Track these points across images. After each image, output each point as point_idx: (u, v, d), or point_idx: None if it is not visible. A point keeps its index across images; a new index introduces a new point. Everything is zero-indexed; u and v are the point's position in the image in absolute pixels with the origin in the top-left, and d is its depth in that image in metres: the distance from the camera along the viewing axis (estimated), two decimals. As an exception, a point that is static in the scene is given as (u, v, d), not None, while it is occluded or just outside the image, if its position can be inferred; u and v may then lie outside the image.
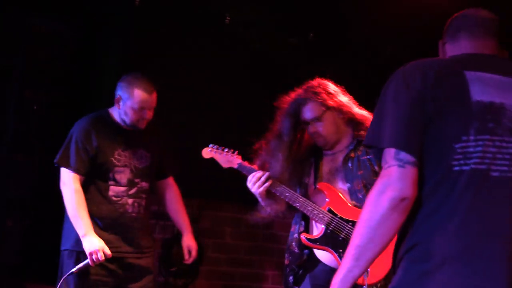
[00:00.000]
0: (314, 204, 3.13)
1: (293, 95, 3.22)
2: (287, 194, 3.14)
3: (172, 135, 4.83)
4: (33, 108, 4.54)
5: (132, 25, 4.72)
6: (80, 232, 3.48)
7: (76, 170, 3.54)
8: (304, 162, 3.25)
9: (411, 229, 1.85)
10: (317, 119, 3.14)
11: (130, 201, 3.64)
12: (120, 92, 3.66)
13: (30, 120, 4.53)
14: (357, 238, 1.82)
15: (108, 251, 3.46)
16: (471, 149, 1.83)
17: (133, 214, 3.63)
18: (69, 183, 3.54)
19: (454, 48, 2.07)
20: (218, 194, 5.22)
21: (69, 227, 3.60)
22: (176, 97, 4.82)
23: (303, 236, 3.14)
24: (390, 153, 1.83)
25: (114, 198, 3.61)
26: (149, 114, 3.65)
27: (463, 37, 2.07)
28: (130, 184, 3.64)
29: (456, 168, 1.82)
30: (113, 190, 3.62)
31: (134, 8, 4.62)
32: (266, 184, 3.14)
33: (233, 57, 5.01)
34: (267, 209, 3.24)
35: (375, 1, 4.78)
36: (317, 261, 3.14)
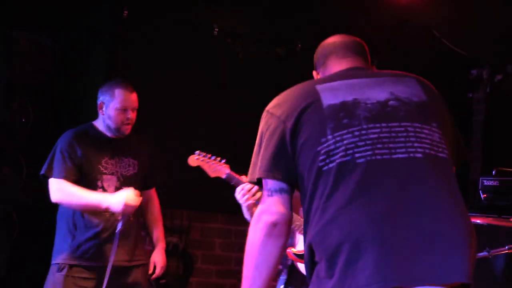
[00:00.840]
0: (301, 219, 3.07)
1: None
2: None
3: (160, 145, 4.83)
4: (20, 121, 4.52)
5: (117, 37, 4.71)
6: (101, 205, 3.46)
7: (64, 178, 3.52)
8: None
9: (307, 235, 1.93)
10: None
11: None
12: (101, 97, 3.67)
13: (17, 133, 4.50)
14: (245, 269, 1.94)
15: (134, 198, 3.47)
16: (332, 147, 1.91)
17: (121, 226, 3.57)
18: (61, 188, 3.50)
19: (325, 73, 2.21)
20: (207, 205, 5.21)
21: (61, 240, 3.59)
22: (163, 107, 4.82)
23: (289, 251, 3.09)
24: (263, 185, 1.98)
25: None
26: (132, 115, 3.65)
27: (332, 61, 2.21)
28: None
29: (325, 168, 1.90)
30: None
31: (120, 18, 4.61)
32: (256, 196, 3.09)
33: (221, 68, 5.02)
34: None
35: (362, 13, 4.81)
36: (301, 274, 3.11)
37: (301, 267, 3.08)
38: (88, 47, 4.85)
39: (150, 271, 3.86)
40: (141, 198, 3.55)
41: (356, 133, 1.91)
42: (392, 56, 5.36)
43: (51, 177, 3.56)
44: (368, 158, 1.88)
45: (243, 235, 5.62)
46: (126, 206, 3.43)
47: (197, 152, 3.30)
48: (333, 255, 1.82)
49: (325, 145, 1.92)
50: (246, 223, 5.51)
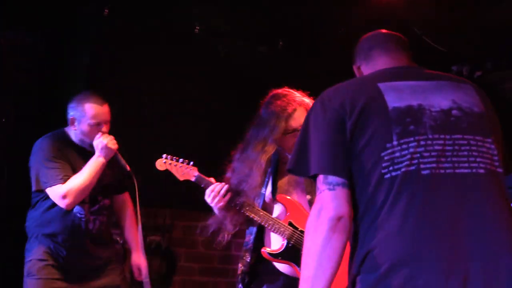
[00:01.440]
0: (274, 219, 3.07)
1: (283, 101, 3.09)
2: (247, 208, 3.05)
3: (143, 144, 4.83)
4: (1, 121, 4.49)
5: (100, 35, 4.70)
6: (99, 164, 3.51)
7: (63, 180, 3.49)
8: (267, 172, 3.14)
9: (358, 244, 1.87)
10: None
11: (91, 217, 3.60)
12: (72, 112, 3.61)
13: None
14: (305, 269, 1.83)
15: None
16: (398, 154, 1.86)
17: (93, 231, 3.59)
18: (66, 192, 3.46)
19: (369, 67, 2.16)
20: (189, 203, 5.20)
21: (36, 239, 3.58)
22: (145, 105, 4.81)
23: (264, 251, 3.08)
24: (319, 180, 1.88)
25: (78, 215, 3.57)
26: (105, 129, 3.61)
27: (377, 54, 2.15)
28: (92, 201, 3.61)
29: (387, 176, 1.85)
30: (77, 207, 3.56)
31: (102, 18, 4.59)
32: (226, 198, 3.04)
33: (203, 67, 5.01)
34: (224, 221, 3.12)
35: (343, 11, 4.82)
36: (277, 272, 3.09)
37: (279, 266, 3.08)
38: (69, 46, 4.83)
39: (135, 275, 3.86)
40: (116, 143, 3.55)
41: (422, 142, 1.87)
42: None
43: (49, 187, 3.50)
44: (433, 171, 1.85)
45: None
46: (107, 146, 3.50)
47: (164, 155, 3.27)
48: (391, 269, 1.79)
49: (390, 151, 1.86)
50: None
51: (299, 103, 3.08)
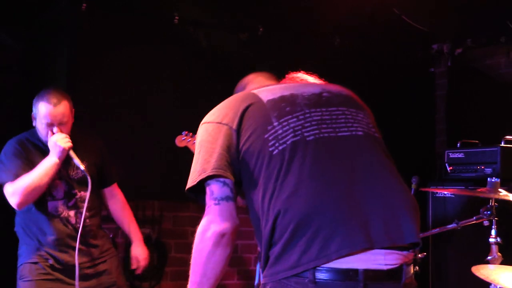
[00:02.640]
0: None
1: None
2: None
3: (127, 137, 4.82)
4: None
5: (77, 31, 4.66)
6: (52, 165, 3.42)
7: (16, 177, 3.43)
8: None
9: (262, 223, 1.96)
10: None
11: (71, 213, 3.57)
12: (33, 109, 3.56)
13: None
14: (192, 275, 2.00)
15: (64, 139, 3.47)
16: (280, 131, 2.02)
17: (77, 225, 3.54)
18: (14, 189, 3.41)
19: None
20: (177, 194, 5.19)
21: (25, 243, 3.58)
22: (127, 98, 4.79)
23: None
24: (207, 194, 2.01)
25: (54, 213, 3.54)
26: (59, 130, 3.49)
27: (251, 84, 2.39)
28: (68, 196, 3.56)
29: (276, 152, 1.98)
30: (51, 205, 3.54)
31: (79, 13, 4.56)
32: None
33: (184, 56, 5.00)
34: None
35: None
36: None
37: None
38: (48, 43, 4.79)
39: (133, 267, 3.85)
40: (65, 135, 3.48)
41: (301, 117, 2.04)
42: (352, 35, 5.40)
43: (3, 184, 3.46)
44: (317, 136, 2.01)
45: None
46: (59, 145, 3.41)
47: (184, 132, 3.35)
48: (298, 227, 1.86)
49: (273, 131, 2.01)
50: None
51: None
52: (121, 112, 4.77)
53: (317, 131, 2.01)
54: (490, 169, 4.36)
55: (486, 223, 3.45)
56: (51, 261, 3.54)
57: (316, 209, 1.87)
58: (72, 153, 3.48)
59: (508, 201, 3.36)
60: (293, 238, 1.86)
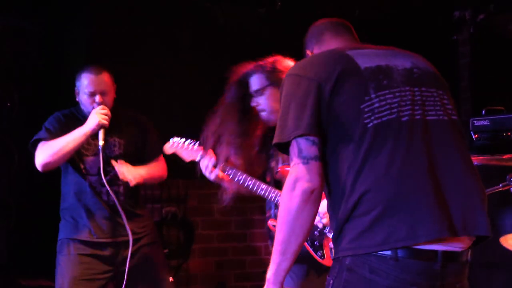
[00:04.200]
0: (268, 187, 3.08)
1: (244, 66, 3.17)
2: (240, 178, 3.10)
3: (150, 115, 4.83)
4: (6, 106, 4.50)
5: (95, 13, 4.66)
6: (82, 135, 3.49)
7: (48, 139, 3.51)
8: (267, 144, 3.14)
9: (346, 193, 1.97)
10: (259, 92, 3.07)
11: (104, 189, 3.59)
12: (76, 83, 3.65)
13: (3, 118, 4.48)
14: (279, 234, 1.98)
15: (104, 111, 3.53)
16: (377, 105, 2.00)
17: (110, 203, 3.59)
18: (43, 148, 3.50)
19: (323, 49, 2.29)
20: (201, 172, 5.21)
21: (63, 217, 3.65)
22: (147, 78, 4.80)
23: (270, 223, 3.12)
24: (294, 153, 2.00)
25: (88, 188, 3.59)
26: (102, 99, 3.58)
27: (328, 37, 2.33)
28: (104, 172, 3.54)
29: (370, 125, 1.98)
30: (88, 179, 3.59)
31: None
32: (216, 170, 3.12)
33: (202, 33, 4.98)
34: (233, 191, 3.17)
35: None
36: None
37: None
38: (66, 26, 4.80)
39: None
40: (107, 111, 3.53)
41: (397, 94, 2.03)
42: (372, 4, 5.33)
43: (38, 142, 3.55)
44: (411, 117, 2.01)
45: (240, 198, 5.65)
46: (97, 119, 3.47)
47: (171, 139, 3.33)
48: (387, 208, 1.91)
49: (369, 103, 2.00)
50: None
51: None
52: (141, 90, 4.78)
53: (410, 112, 2.02)
54: (516, 136, 4.30)
55: (513, 190, 3.40)
56: (87, 237, 3.59)
57: (407, 192, 1.92)
58: (101, 131, 3.51)
59: (535, 168, 3.31)
60: (382, 217, 1.90)
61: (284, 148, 2.05)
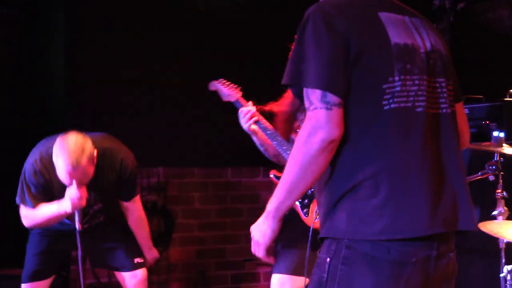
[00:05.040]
0: (290, 145, 3.19)
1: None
2: (268, 132, 3.26)
3: (132, 104, 4.81)
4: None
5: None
6: (60, 212, 3.43)
7: (31, 207, 3.50)
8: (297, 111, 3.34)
9: (348, 170, 1.93)
10: None
11: (85, 226, 3.56)
12: (52, 155, 3.40)
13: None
14: (289, 174, 1.92)
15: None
16: (398, 89, 1.92)
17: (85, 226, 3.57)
18: (26, 215, 3.54)
19: None
20: (182, 160, 5.20)
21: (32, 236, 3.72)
22: (127, 68, 4.77)
23: (272, 175, 3.26)
24: (315, 95, 1.88)
25: (71, 227, 3.53)
26: (78, 185, 3.34)
27: None
28: (83, 214, 3.52)
29: (386, 107, 1.91)
30: (66, 221, 3.56)
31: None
32: (251, 121, 3.26)
33: (184, 23, 4.96)
34: (263, 150, 3.36)
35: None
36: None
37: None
38: (46, 11, 4.75)
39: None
40: (84, 192, 3.37)
41: (416, 82, 1.96)
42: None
43: (17, 201, 3.55)
44: (424, 109, 1.96)
45: (220, 187, 5.64)
46: (72, 202, 3.34)
47: (220, 79, 3.46)
48: (390, 197, 1.88)
49: (392, 85, 1.92)
50: (222, 175, 5.55)
51: None
52: (125, 80, 4.75)
53: (424, 103, 1.96)
54: (494, 124, 4.33)
55: (491, 178, 3.43)
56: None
57: (411, 186, 1.90)
58: (78, 213, 3.41)
59: (513, 156, 3.34)
60: (383, 206, 1.87)
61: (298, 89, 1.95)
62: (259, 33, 5.01)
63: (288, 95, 3.29)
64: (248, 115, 3.27)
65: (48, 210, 3.48)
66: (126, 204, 3.75)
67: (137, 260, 3.76)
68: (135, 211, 3.79)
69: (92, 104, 4.76)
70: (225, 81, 3.42)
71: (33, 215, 3.51)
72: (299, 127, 3.23)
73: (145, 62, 4.88)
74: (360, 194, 1.89)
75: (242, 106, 3.33)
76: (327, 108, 1.86)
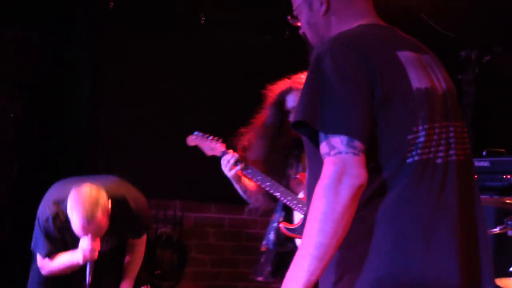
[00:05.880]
0: (294, 195, 3.13)
1: (279, 85, 3.24)
2: (259, 177, 3.14)
3: (153, 135, 4.84)
4: (9, 116, 4.51)
5: (103, 29, 4.69)
6: (73, 263, 3.40)
7: (46, 256, 3.48)
8: (289, 154, 3.23)
9: (363, 238, 1.73)
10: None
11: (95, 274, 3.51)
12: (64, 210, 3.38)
13: (6, 128, 4.50)
14: (316, 235, 1.63)
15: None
16: (422, 139, 1.76)
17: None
18: (42, 266, 3.51)
19: (346, 9, 1.93)
20: (199, 194, 5.20)
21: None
22: (151, 99, 4.81)
23: (282, 226, 3.14)
24: (340, 140, 1.67)
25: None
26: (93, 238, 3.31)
27: (361, 3, 1.95)
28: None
29: (409, 160, 1.75)
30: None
31: (108, 11, 4.58)
32: (237, 167, 3.16)
33: (209, 57, 5.00)
34: (247, 197, 3.26)
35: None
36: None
37: (298, 242, 3.09)
38: (74, 40, 4.83)
39: None
40: (98, 244, 3.34)
41: (437, 130, 1.80)
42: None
43: (34, 250, 3.53)
44: (444, 160, 1.80)
45: (236, 224, 5.63)
46: (84, 255, 3.32)
47: (196, 132, 3.35)
48: (404, 235, 1.72)
49: (415, 135, 1.76)
50: (238, 212, 5.53)
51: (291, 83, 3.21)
52: (147, 110, 4.79)
53: (443, 153, 1.80)
54: (515, 179, 4.29)
55: (510, 233, 3.39)
56: None
57: (432, 241, 1.74)
58: (89, 265, 3.36)
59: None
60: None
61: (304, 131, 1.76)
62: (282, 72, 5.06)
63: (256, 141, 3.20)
64: (232, 161, 3.16)
65: (61, 261, 3.46)
66: (134, 241, 3.72)
67: None
68: (140, 246, 3.75)
69: (112, 137, 4.80)
70: (203, 134, 3.32)
71: (47, 265, 3.49)
72: (297, 173, 3.20)
73: (169, 95, 4.92)
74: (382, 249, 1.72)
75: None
76: (354, 154, 1.67)
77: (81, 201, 3.26)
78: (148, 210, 3.73)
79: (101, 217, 3.29)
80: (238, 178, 3.21)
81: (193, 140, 3.35)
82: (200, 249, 5.31)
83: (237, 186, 3.26)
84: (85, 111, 4.83)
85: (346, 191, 1.64)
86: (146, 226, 3.72)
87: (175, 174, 4.99)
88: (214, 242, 5.38)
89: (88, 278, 3.38)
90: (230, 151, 3.23)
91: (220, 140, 3.29)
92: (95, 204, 3.27)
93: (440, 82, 1.87)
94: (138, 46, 4.77)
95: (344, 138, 1.67)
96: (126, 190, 3.60)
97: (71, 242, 3.45)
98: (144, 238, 3.76)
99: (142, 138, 4.89)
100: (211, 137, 3.31)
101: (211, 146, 3.29)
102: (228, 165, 3.17)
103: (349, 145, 1.67)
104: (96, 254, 3.36)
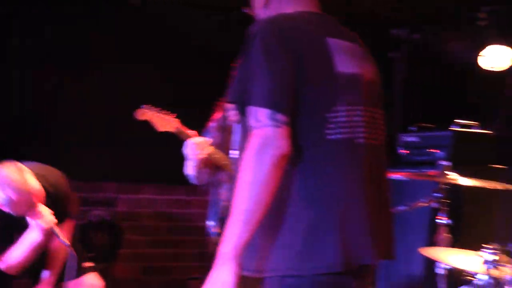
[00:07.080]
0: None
1: None
2: (224, 163, 3.00)
3: (91, 119, 4.78)
4: None
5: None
6: (34, 238, 3.24)
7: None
8: None
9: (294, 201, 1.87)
10: None
11: None
12: None
13: None
14: (243, 202, 1.78)
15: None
16: (342, 119, 1.91)
17: None
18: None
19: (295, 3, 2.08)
20: (133, 176, 5.17)
21: None
22: (87, 81, 4.76)
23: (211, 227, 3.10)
24: (264, 113, 1.81)
25: None
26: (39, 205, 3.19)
27: None
28: None
29: (329, 137, 1.88)
30: None
31: None
32: (205, 151, 2.99)
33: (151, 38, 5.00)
34: (200, 176, 3.08)
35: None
36: None
37: None
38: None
39: None
40: (44, 208, 3.21)
41: (359, 112, 1.95)
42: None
43: None
44: (364, 140, 1.95)
45: (170, 204, 5.58)
46: (41, 228, 3.19)
47: (144, 105, 3.16)
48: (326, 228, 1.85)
49: (335, 114, 1.89)
50: (172, 192, 5.50)
51: None
52: (79, 91, 4.74)
53: (363, 135, 1.94)
54: (442, 153, 4.40)
55: (436, 205, 3.48)
56: None
57: (348, 217, 1.88)
58: (55, 229, 3.17)
59: (458, 185, 3.40)
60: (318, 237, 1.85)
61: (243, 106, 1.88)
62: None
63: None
64: (200, 148, 2.98)
65: (20, 250, 3.24)
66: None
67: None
68: (65, 228, 3.49)
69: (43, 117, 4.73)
70: (152, 107, 3.16)
71: (6, 263, 3.26)
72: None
73: (114, 77, 4.86)
74: (290, 222, 1.85)
75: (185, 135, 3.07)
76: (276, 126, 1.80)
77: (3, 178, 3.13)
78: (72, 196, 3.54)
79: (31, 184, 3.16)
80: (201, 160, 3.02)
81: (143, 113, 3.15)
82: (135, 231, 5.27)
83: (193, 167, 3.05)
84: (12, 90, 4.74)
85: (268, 160, 1.78)
86: (67, 213, 3.51)
87: (109, 157, 4.94)
88: (148, 223, 5.35)
89: (65, 242, 3.17)
90: (195, 132, 3.08)
91: (174, 115, 3.14)
92: (19, 174, 3.15)
93: (367, 71, 2.03)
94: (80, 29, 4.69)
95: (267, 112, 1.81)
96: (46, 172, 3.44)
97: (16, 229, 3.27)
98: (68, 226, 3.53)
99: (76, 119, 4.83)
100: (163, 111, 3.15)
101: (164, 121, 3.13)
102: (198, 148, 2.99)
103: (272, 118, 1.81)
104: (51, 216, 3.19)
